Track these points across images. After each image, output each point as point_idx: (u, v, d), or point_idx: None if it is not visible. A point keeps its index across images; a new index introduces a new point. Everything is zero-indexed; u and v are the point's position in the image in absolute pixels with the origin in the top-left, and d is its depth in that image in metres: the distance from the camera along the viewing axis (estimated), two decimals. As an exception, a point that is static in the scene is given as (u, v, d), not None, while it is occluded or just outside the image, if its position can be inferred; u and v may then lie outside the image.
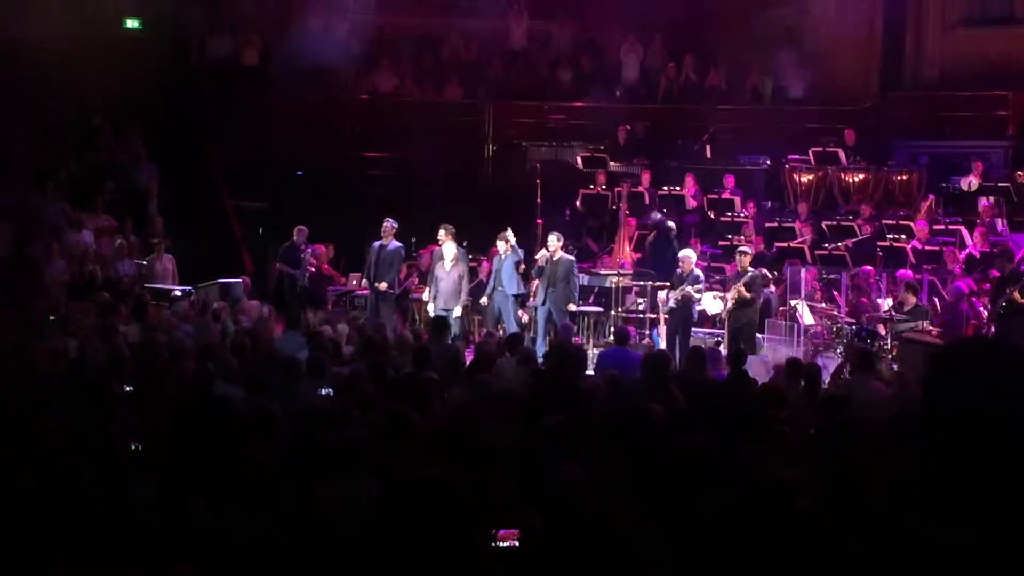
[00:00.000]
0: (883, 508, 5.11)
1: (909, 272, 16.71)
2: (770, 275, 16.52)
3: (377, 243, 17.02)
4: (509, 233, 16.58)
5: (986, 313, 15.17)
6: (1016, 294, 14.31)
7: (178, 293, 17.19)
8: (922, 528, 2.91)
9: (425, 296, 16.90)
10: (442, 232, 16.62)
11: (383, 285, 16.86)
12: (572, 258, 16.65)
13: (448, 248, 16.34)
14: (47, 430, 7.35)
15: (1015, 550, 2.50)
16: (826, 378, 12.66)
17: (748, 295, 15.60)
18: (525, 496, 5.88)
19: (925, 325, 15.00)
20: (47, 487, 5.81)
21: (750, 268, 15.83)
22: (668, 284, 16.21)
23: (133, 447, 7.09)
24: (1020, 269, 15.10)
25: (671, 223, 18.69)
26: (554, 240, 16.29)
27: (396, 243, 17.09)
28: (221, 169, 21.77)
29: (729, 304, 15.63)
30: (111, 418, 7.89)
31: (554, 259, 16.15)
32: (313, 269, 18.49)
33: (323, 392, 9.62)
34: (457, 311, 16.27)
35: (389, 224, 17.04)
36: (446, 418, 8.11)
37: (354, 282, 18.68)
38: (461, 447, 6.92)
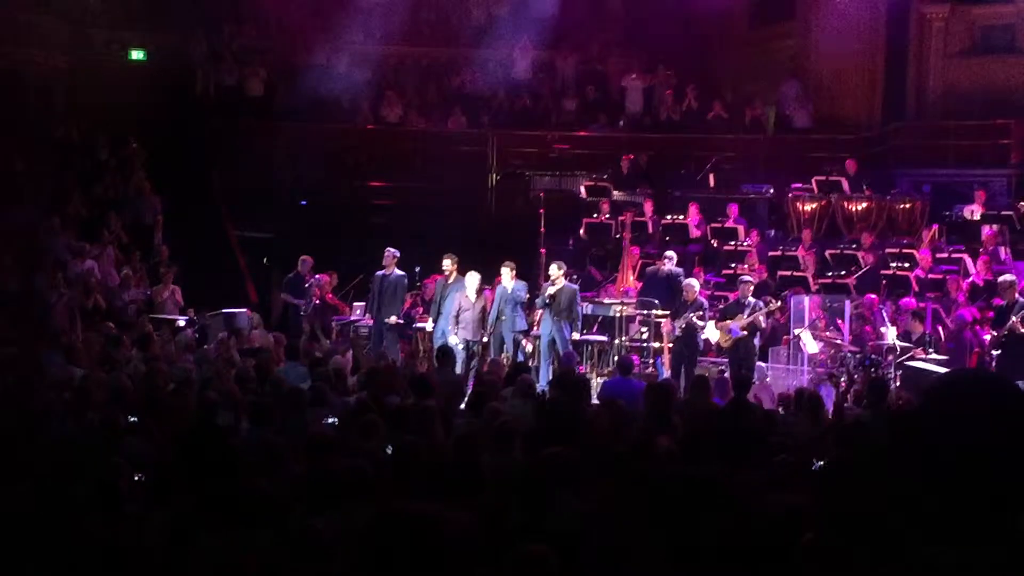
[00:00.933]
0: (884, 536, 5.11)
1: (912, 301, 16.71)
2: (773, 303, 16.51)
3: (380, 273, 17.07)
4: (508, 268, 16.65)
5: (989, 341, 15.16)
6: (1018, 323, 14.30)
7: (182, 323, 17.22)
8: (918, 554, 2.97)
9: (428, 326, 16.92)
10: (448, 262, 16.65)
11: (392, 319, 16.92)
12: (575, 287, 16.67)
13: (472, 279, 16.32)
14: (49, 459, 7.34)
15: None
16: (829, 407, 12.65)
17: (763, 325, 15.71)
18: (527, 527, 5.87)
19: (929, 352, 15.01)
20: (46, 516, 5.81)
21: (752, 298, 15.88)
22: (670, 313, 16.31)
23: (136, 477, 7.08)
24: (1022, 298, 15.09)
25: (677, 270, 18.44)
26: (555, 269, 16.30)
27: (398, 272, 17.13)
28: (225, 200, 21.83)
29: (741, 333, 15.62)
30: (113, 448, 7.89)
31: (557, 288, 16.16)
32: (317, 300, 18.50)
33: (328, 421, 9.61)
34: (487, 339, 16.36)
35: (390, 253, 17.08)
36: (448, 448, 8.08)
37: (358, 312, 18.68)
38: (462, 478, 6.91)
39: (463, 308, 16.20)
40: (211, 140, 22.26)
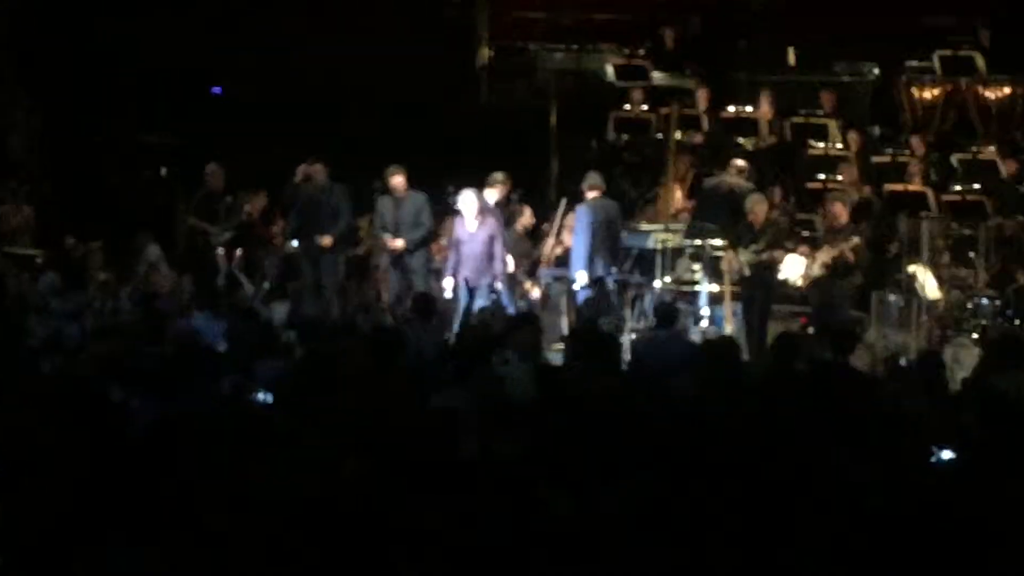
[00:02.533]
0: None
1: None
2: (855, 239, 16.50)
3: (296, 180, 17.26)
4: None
5: None
6: None
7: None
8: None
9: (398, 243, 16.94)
10: (400, 177, 16.69)
11: (327, 240, 17.00)
12: (615, 203, 16.83)
13: (468, 201, 16.36)
14: None
15: None
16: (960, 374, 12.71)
17: (852, 259, 15.71)
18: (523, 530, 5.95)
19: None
20: None
21: (849, 221, 15.94)
22: (731, 241, 16.36)
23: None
24: None
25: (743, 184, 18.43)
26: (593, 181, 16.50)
27: (337, 185, 17.32)
28: (110, 91, 21.69)
29: (818, 271, 15.70)
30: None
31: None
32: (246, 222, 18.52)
33: (259, 397, 9.62)
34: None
35: (315, 168, 17.21)
36: (427, 430, 8.09)
37: (294, 243, 18.63)
38: (442, 468, 6.95)
39: (461, 240, 16.30)
40: (92, 15, 22.05)
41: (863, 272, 16.21)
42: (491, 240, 16.43)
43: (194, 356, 10.57)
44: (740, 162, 18.18)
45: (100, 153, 21.17)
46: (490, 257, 16.40)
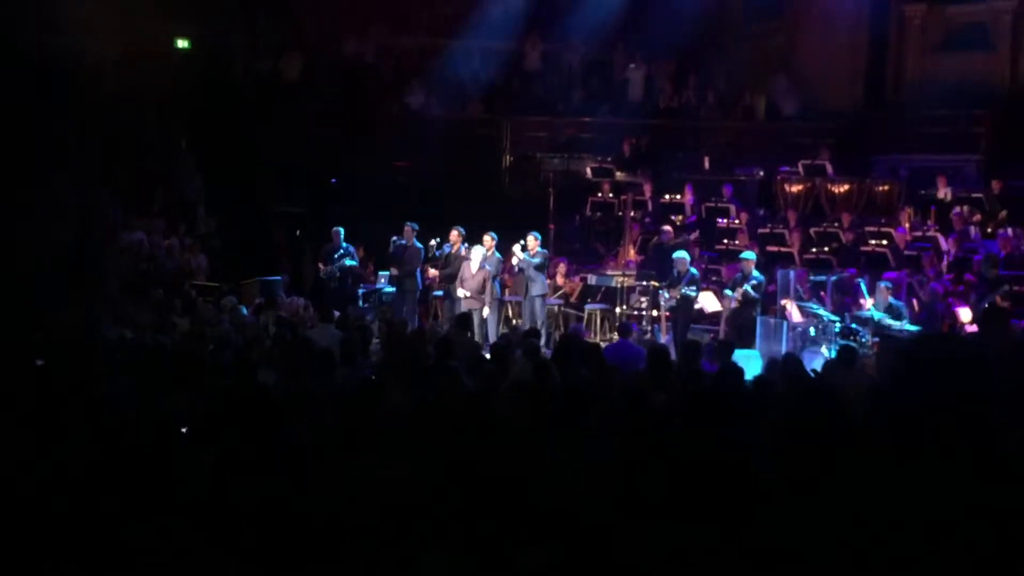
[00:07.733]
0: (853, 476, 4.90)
1: (893, 274, 16.65)
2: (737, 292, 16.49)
3: (400, 241, 17.32)
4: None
5: (962, 313, 15.09)
6: (999, 299, 14.36)
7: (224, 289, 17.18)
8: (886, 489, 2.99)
9: (460, 292, 16.76)
10: (454, 233, 16.94)
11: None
12: (545, 252, 16.90)
13: (476, 251, 16.57)
14: (105, 414, 7.36)
15: (952, 503, 2.65)
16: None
17: (755, 296, 15.72)
18: (534, 476, 5.89)
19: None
20: (98, 470, 5.84)
21: (755, 271, 15.94)
22: (666, 284, 16.44)
23: (183, 429, 7.12)
24: (1002, 275, 15.17)
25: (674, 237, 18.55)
26: (529, 241, 16.67)
27: (417, 243, 17.34)
28: (264, 177, 21.71)
29: (734, 304, 15.76)
30: (162, 402, 7.92)
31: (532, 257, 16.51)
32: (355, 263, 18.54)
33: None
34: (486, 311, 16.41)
35: (408, 228, 17.38)
36: (464, 402, 8.06)
37: (382, 280, 18.73)
38: (477, 429, 6.93)
39: (464, 277, 16.36)
40: (250, 122, 22.15)
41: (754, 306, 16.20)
42: (483, 280, 16.46)
43: (316, 353, 10.45)
44: (667, 228, 18.61)
45: (255, 219, 21.17)
46: (481, 291, 16.42)
